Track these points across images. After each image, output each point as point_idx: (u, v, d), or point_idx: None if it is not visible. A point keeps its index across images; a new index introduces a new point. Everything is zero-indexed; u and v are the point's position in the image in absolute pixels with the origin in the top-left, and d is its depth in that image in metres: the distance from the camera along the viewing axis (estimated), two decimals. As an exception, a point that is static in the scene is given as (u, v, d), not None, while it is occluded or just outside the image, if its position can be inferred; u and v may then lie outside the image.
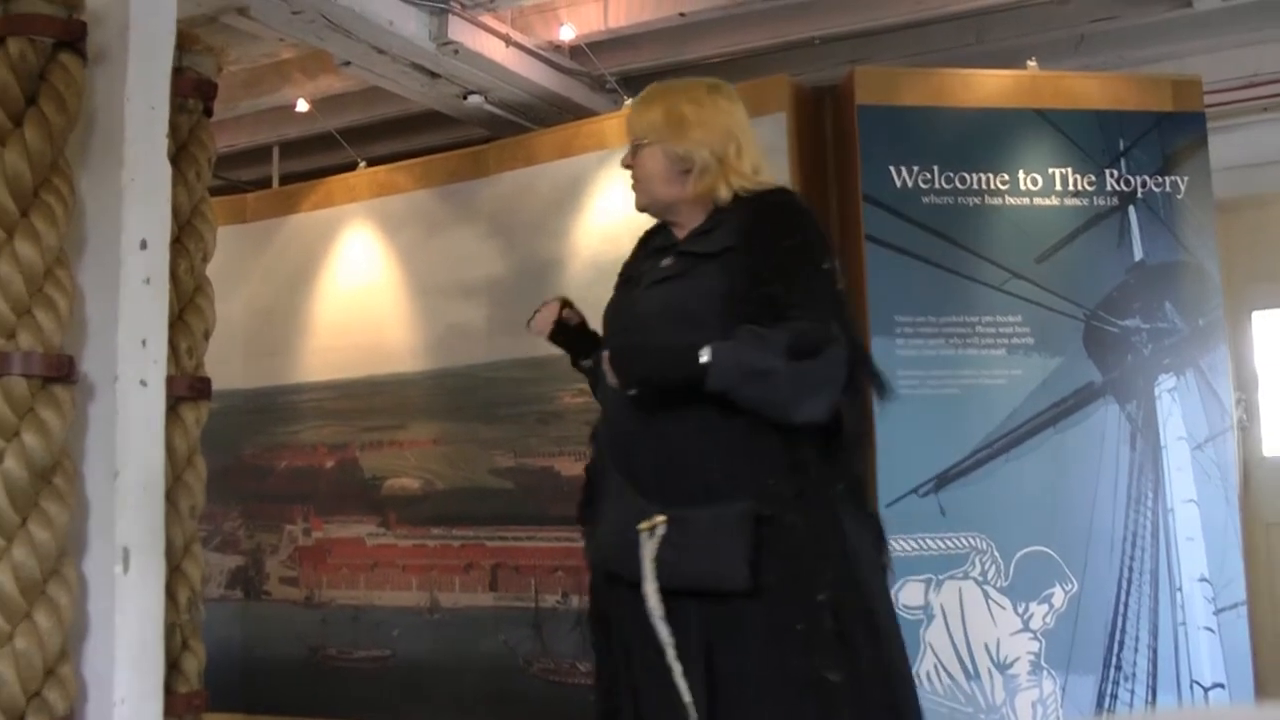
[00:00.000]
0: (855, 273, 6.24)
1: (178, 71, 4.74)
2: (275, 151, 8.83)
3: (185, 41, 4.78)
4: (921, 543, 6.05)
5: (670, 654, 3.27)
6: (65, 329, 4.58)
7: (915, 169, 6.29)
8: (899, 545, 6.00)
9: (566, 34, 7.43)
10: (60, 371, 4.54)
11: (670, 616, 3.30)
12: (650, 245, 3.91)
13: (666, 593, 3.29)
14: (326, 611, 7.67)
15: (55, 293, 4.58)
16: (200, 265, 4.91)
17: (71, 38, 4.31)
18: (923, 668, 6.00)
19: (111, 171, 4.72)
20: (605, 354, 3.56)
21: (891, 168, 6.28)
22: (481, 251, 7.37)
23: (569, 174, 7.06)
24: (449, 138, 8.46)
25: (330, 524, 7.71)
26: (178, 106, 4.82)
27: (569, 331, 4.21)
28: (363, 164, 8.12)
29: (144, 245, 4.76)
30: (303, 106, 8.21)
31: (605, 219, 6.87)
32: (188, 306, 4.88)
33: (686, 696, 3.23)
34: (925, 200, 6.29)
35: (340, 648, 7.60)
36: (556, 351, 6.34)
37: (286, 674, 7.64)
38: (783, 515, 3.24)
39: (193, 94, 4.92)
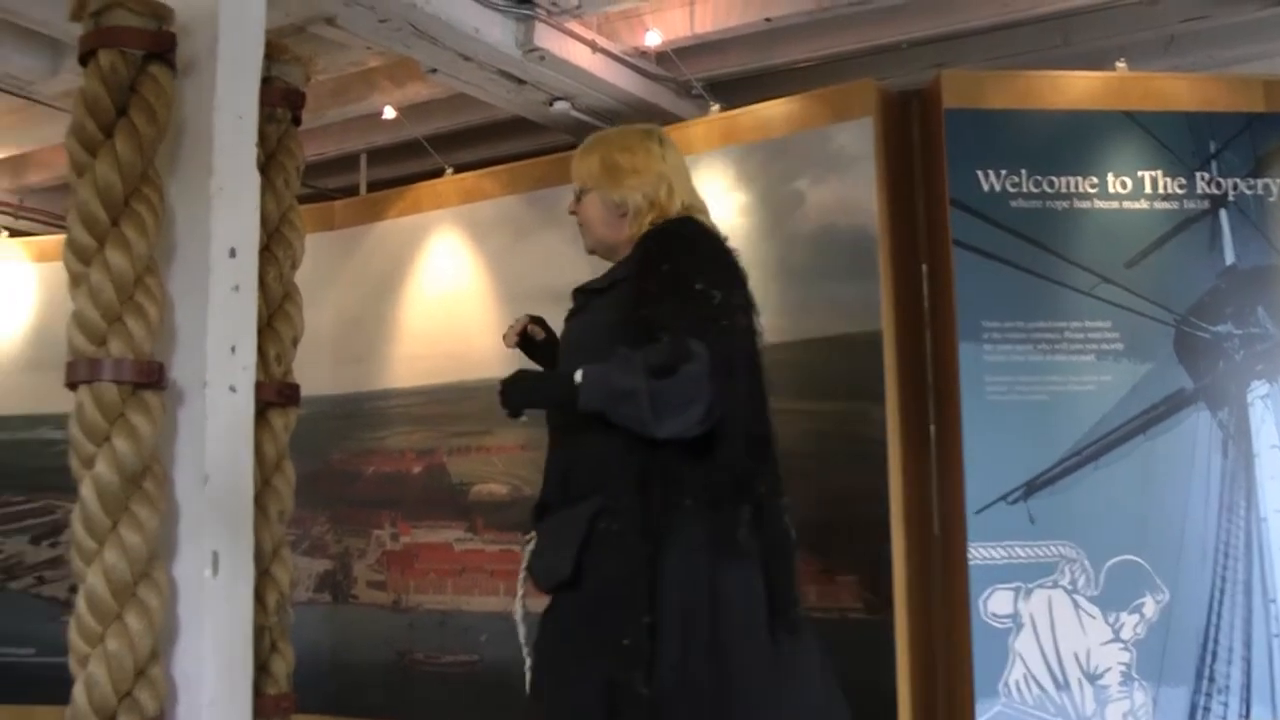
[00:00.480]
0: (942, 278, 6.21)
1: (266, 81, 4.78)
2: (363, 159, 8.91)
3: (273, 51, 4.83)
4: (1010, 551, 6.01)
5: (528, 663, 3.84)
6: (155, 336, 4.63)
7: (1003, 173, 6.24)
8: (988, 553, 5.98)
9: (652, 39, 7.44)
10: (150, 378, 4.59)
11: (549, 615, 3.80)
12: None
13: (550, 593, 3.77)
14: (414, 616, 7.70)
15: (145, 300, 4.63)
16: (289, 272, 4.95)
17: (161, 49, 4.36)
18: (1011, 677, 5.95)
19: (201, 180, 4.77)
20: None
21: (979, 172, 6.24)
22: (568, 257, 7.35)
23: (654, 178, 7.06)
24: (536, 144, 8.49)
25: (418, 529, 7.75)
26: (266, 116, 4.87)
27: (534, 346, 4.56)
28: (450, 170, 8.16)
29: (233, 253, 4.81)
30: (390, 114, 8.26)
31: (693, 225, 6.88)
32: (276, 313, 4.92)
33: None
34: (1013, 204, 6.24)
35: (428, 652, 7.63)
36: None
37: (374, 678, 7.68)
38: (611, 524, 3.55)
39: (281, 103, 4.97)
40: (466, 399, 7.70)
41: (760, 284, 6.42)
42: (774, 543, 3.74)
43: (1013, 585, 6.02)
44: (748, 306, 3.82)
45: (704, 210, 4.10)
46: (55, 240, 8.90)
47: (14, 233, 9.77)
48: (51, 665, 8.18)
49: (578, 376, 3.66)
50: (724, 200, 6.75)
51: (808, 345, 6.40)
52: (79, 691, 4.51)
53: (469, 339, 7.72)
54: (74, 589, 4.56)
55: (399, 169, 9.05)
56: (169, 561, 4.73)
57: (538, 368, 4.41)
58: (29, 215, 10.17)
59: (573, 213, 4.22)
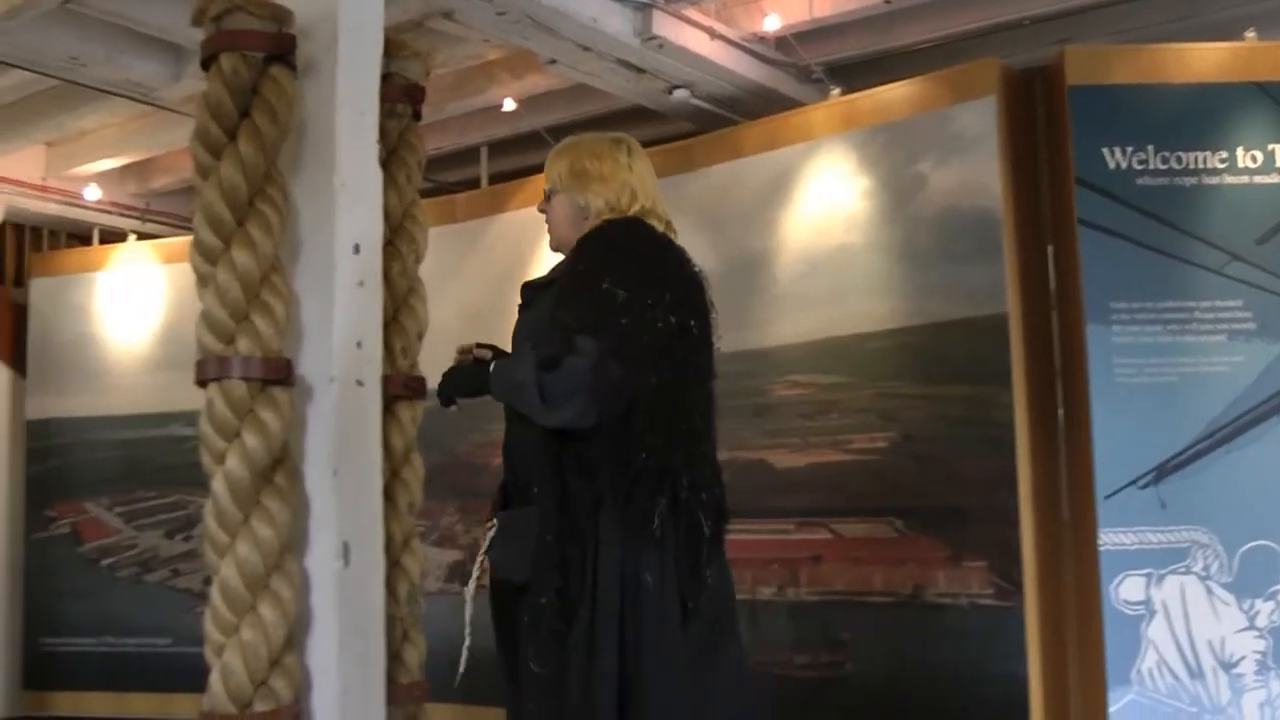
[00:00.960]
0: (1069, 259, 6.14)
1: (385, 78, 4.83)
2: (483, 152, 8.96)
3: (392, 48, 4.88)
4: (1141, 536, 5.93)
5: (466, 642, 4.27)
6: (282, 333, 4.70)
7: (1129, 150, 6.15)
8: (1119, 539, 5.91)
9: (771, 25, 7.42)
10: (278, 374, 4.67)
11: (502, 602, 4.16)
12: None
13: (500, 583, 4.13)
14: (545, 605, 7.74)
15: (272, 298, 4.70)
16: (413, 267, 5.00)
17: (282, 51, 4.42)
18: (1144, 665, 5.88)
19: (324, 178, 4.83)
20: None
21: (1104, 149, 6.15)
22: (690, 246, 7.22)
23: (776, 166, 7.04)
24: (655, 133, 8.49)
25: (548, 521, 7.79)
26: (386, 112, 4.92)
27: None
28: (572, 161, 8.18)
29: (357, 249, 4.87)
30: (509, 106, 8.31)
31: (814, 210, 6.85)
32: (401, 307, 4.97)
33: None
34: (1140, 182, 6.14)
35: (559, 640, 7.68)
36: (771, 343, 6.42)
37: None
38: (546, 533, 3.83)
39: (401, 99, 5.01)
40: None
41: (883, 268, 6.46)
42: (687, 534, 3.87)
43: (1144, 571, 5.94)
44: (667, 304, 3.89)
45: (662, 218, 4.32)
46: (182, 242, 9.07)
47: (141, 236, 9.96)
48: (188, 655, 8.35)
49: (491, 369, 4.14)
50: (845, 185, 6.72)
51: (932, 329, 6.37)
52: (215, 680, 4.60)
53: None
54: (208, 581, 4.66)
55: (519, 160, 9.09)
56: (300, 553, 4.80)
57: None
58: (156, 219, 10.35)
59: (542, 211, 4.46)
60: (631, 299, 3.83)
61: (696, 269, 4.15)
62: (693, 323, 3.96)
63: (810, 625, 6.68)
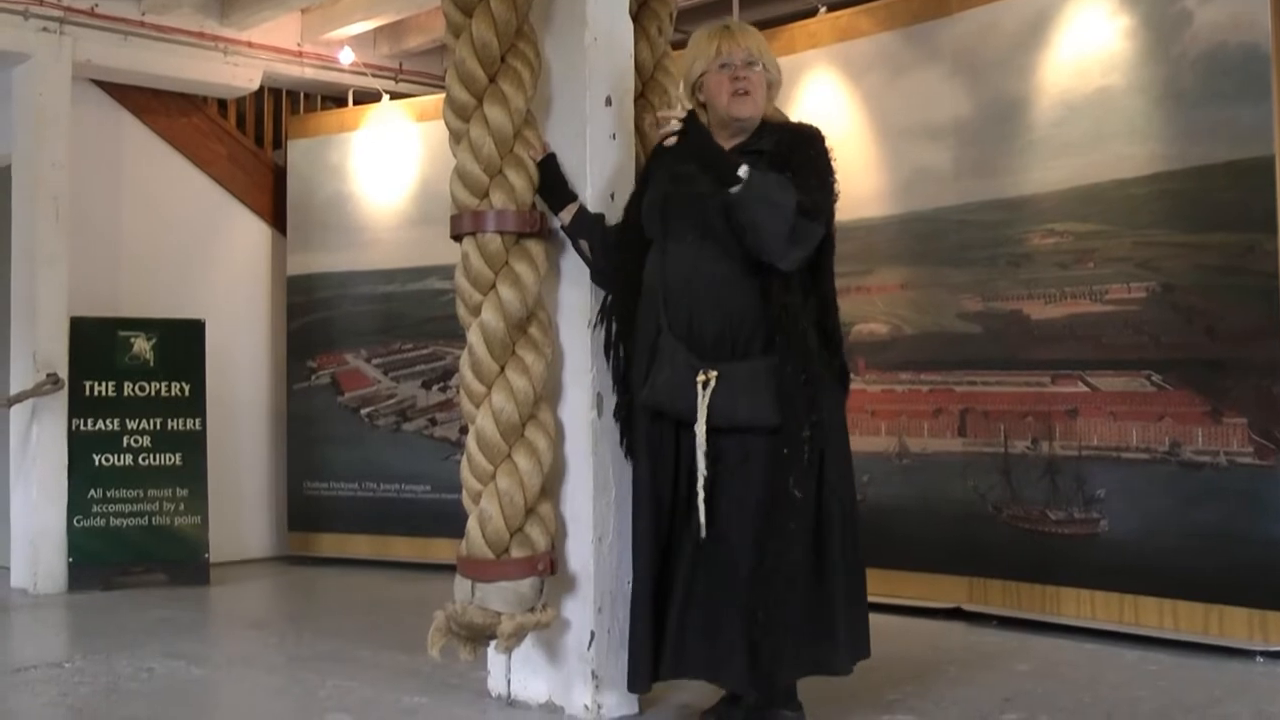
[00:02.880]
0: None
1: (636, -71, 4.80)
2: (735, 2, 8.86)
3: (642, -101, 4.84)
4: None
5: (700, 482, 4.35)
6: (535, 187, 4.75)
7: None
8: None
9: None
10: (532, 227, 4.73)
11: (711, 449, 4.37)
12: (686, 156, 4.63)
13: (713, 431, 4.36)
14: (797, 456, 7.75)
15: (525, 152, 4.75)
16: (665, 118, 4.96)
17: (534, -94, 4.40)
18: None
19: (575, 33, 4.85)
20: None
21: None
22: (946, 92, 7.24)
23: (1035, 7, 6.84)
24: (909, -23, 8.31)
25: (799, 370, 7.78)
26: (639, -37, 4.89)
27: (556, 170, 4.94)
28: (823, 9, 8.07)
29: (609, 102, 4.89)
30: (762, -46, 8.21)
31: (1073, 52, 6.65)
32: (653, 159, 4.97)
33: (702, 516, 4.36)
34: None
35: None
36: (1028, 192, 6.31)
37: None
38: (783, 367, 4.35)
39: (652, -50, 4.98)
40: (846, 239, 7.54)
41: (1143, 110, 6.26)
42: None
43: None
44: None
45: None
46: (435, 100, 9.17)
47: (395, 96, 10.10)
48: (445, 501, 8.61)
49: (742, 172, 4.33)
50: (1105, 26, 6.51)
51: (1194, 174, 6.16)
52: (473, 526, 4.72)
53: (847, 178, 7.55)
54: (465, 430, 4.77)
55: (771, 10, 8.98)
56: (555, 403, 4.89)
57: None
58: (409, 78, 10.50)
59: (744, 77, 4.58)
60: (830, 196, 4.54)
61: None
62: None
63: (1065, 481, 6.59)
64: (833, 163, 4.59)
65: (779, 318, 4.38)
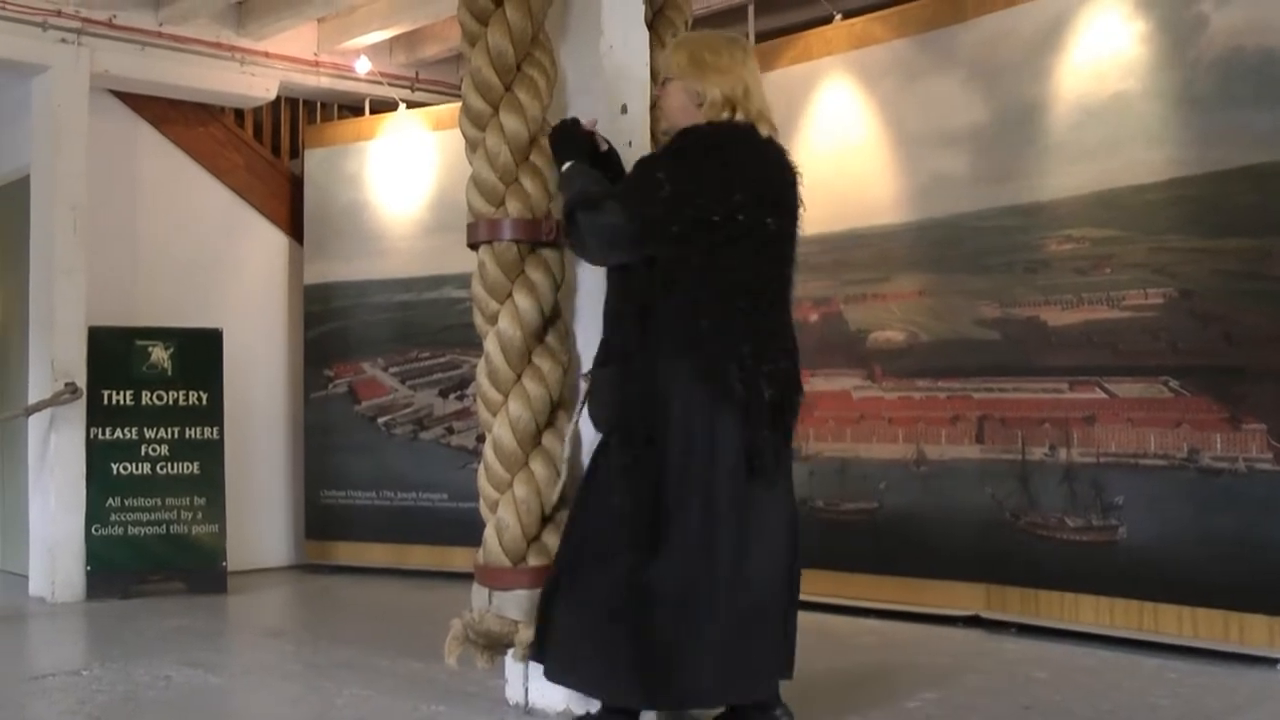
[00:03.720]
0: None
1: (651, -63, 4.80)
2: (750, 9, 8.85)
3: (657, -94, 4.85)
4: None
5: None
6: (551, 196, 4.75)
7: None
8: None
9: None
10: (548, 235, 4.74)
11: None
12: None
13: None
14: (814, 464, 7.76)
15: (540, 161, 4.77)
16: (680, 126, 4.96)
17: (548, -86, 4.41)
18: None
19: (590, 41, 4.86)
20: None
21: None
22: (962, 98, 7.24)
23: (1051, 12, 6.83)
24: (926, -17, 8.30)
25: (816, 377, 7.78)
26: (653, -29, 4.90)
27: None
28: (839, 16, 8.07)
29: (624, 110, 4.90)
30: (778, -39, 8.20)
31: (1090, 57, 6.64)
32: (668, 167, 4.95)
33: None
34: None
35: (827, 500, 7.70)
36: (1045, 198, 6.32)
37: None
38: (613, 373, 4.44)
39: (667, -43, 4.98)
40: (861, 246, 7.67)
41: (1160, 115, 6.24)
42: (752, 401, 4.33)
43: None
44: (733, 204, 4.34)
45: (770, 121, 4.60)
46: (451, 109, 9.18)
47: (411, 105, 10.12)
48: (462, 510, 8.61)
49: (565, 167, 4.61)
50: (1121, 31, 6.50)
51: (1212, 179, 6.14)
52: (490, 535, 4.73)
53: (863, 185, 7.67)
54: (481, 439, 4.78)
55: (787, 18, 8.98)
56: (572, 411, 4.89)
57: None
58: (425, 87, 10.51)
59: (656, 96, 4.72)
60: (676, 193, 4.30)
61: (791, 174, 4.58)
62: (769, 220, 4.42)
63: (1082, 487, 6.58)
64: (703, 153, 4.42)
65: (613, 319, 4.56)
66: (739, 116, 4.49)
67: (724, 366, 4.32)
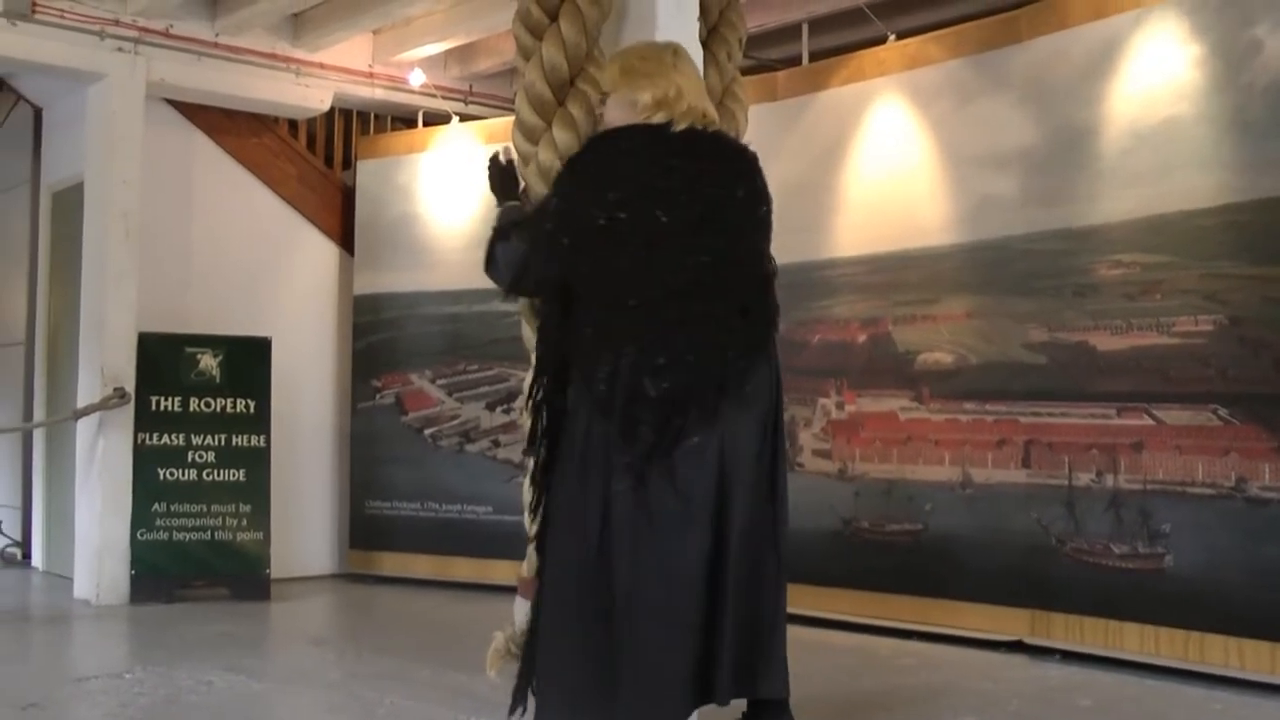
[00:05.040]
0: None
1: (706, -45, 4.81)
2: (804, 28, 8.87)
3: (712, -74, 4.86)
4: None
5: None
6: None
7: None
8: None
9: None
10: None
11: None
12: None
13: None
14: (859, 485, 7.75)
15: (593, 174, 4.76)
16: (732, 143, 4.97)
17: (604, -68, 4.42)
18: None
19: (644, 58, 4.85)
20: None
21: None
22: (1014, 120, 7.22)
23: (1104, 36, 6.80)
24: (980, 5, 8.28)
25: (863, 397, 7.77)
26: (707, -11, 4.90)
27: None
28: (893, 37, 8.07)
29: (676, 127, 4.89)
30: (832, -19, 8.20)
31: (1143, 83, 6.60)
32: (719, 185, 4.96)
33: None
34: None
35: (872, 521, 7.68)
36: (1096, 222, 6.26)
37: (819, 545, 7.75)
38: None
39: (722, -25, 4.99)
40: (911, 267, 7.66)
41: (1212, 140, 6.20)
42: (629, 398, 4.26)
43: None
44: (610, 203, 4.37)
45: (706, 115, 4.58)
46: (504, 122, 9.21)
47: (464, 118, 10.15)
48: (506, 523, 8.62)
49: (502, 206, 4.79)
50: (1174, 55, 6.46)
51: (1264, 205, 6.08)
52: (534, 549, 4.73)
53: (914, 206, 7.65)
54: (526, 453, 4.77)
55: (841, 37, 8.98)
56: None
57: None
58: (478, 100, 10.56)
59: (599, 114, 4.71)
60: (563, 205, 4.44)
61: (708, 161, 4.51)
62: (659, 213, 4.35)
63: (1129, 514, 6.53)
64: (582, 157, 4.57)
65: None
66: (663, 116, 4.48)
67: (594, 369, 4.33)
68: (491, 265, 4.64)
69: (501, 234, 4.60)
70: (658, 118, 4.46)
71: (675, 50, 4.63)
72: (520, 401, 4.72)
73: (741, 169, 4.56)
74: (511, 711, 4.50)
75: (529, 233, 4.50)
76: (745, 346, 4.40)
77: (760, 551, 4.45)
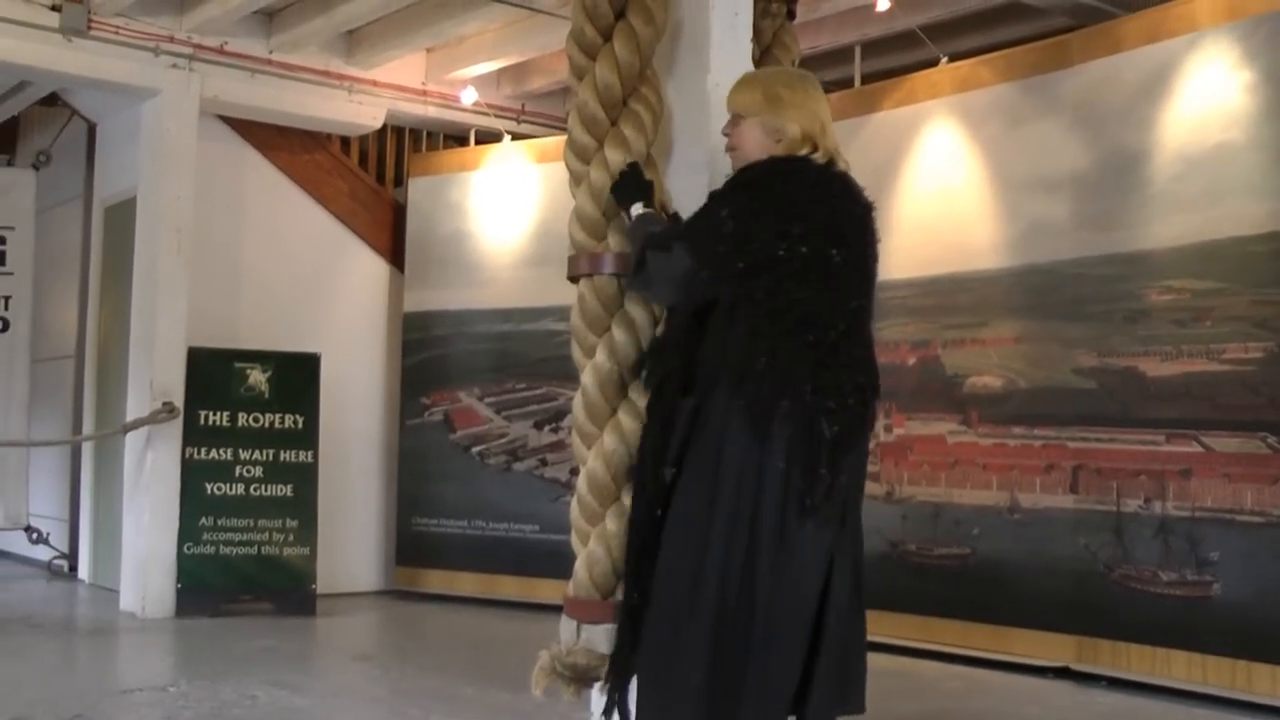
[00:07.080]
0: None
1: (759, -23, 4.81)
2: (857, 51, 8.87)
3: (766, -51, 4.86)
4: None
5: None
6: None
7: None
8: None
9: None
10: (648, 271, 4.72)
11: None
12: None
13: None
14: (907, 508, 7.74)
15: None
16: (784, 165, 4.95)
17: (657, -47, 4.44)
18: None
19: (697, 78, 4.86)
20: None
21: None
22: (1065, 144, 7.20)
23: (1156, 60, 6.79)
24: (1032, 29, 8.28)
25: (912, 421, 7.76)
26: (761, 11, 4.92)
27: None
28: (945, 59, 8.06)
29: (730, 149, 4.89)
30: (884, 5, 8.20)
31: (1196, 107, 6.58)
32: (772, 206, 4.95)
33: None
34: None
35: (920, 544, 7.66)
36: (1146, 247, 6.24)
37: (868, 568, 7.69)
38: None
39: (776, -1, 4.98)
40: (962, 290, 7.64)
41: (1263, 167, 6.17)
42: (808, 438, 4.21)
43: None
44: (794, 236, 4.25)
45: (842, 157, 4.50)
46: (556, 141, 9.23)
47: (516, 136, 10.19)
48: (553, 542, 8.61)
49: (635, 209, 4.64)
50: (1226, 80, 6.44)
51: (1313, 233, 6.08)
52: (581, 567, 4.73)
53: (964, 229, 7.64)
54: (574, 471, 4.78)
55: (893, 60, 8.98)
56: (667, 449, 4.87)
57: None
58: (530, 119, 10.58)
59: (726, 134, 4.56)
60: (740, 229, 4.24)
61: (860, 206, 4.46)
62: (834, 252, 4.28)
63: (1177, 541, 6.50)
64: (764, 188, 4.40)
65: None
66: (818, 154, 4.41)
67: (774, 404, 4.22)
68: (644, 274, 4.47)
69: (658, 243, 4.44)
70: (803, 150, 4.41)
71: (815, 82, 4.59)
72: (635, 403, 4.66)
73: (871, 216, 4.54)
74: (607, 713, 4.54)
75: (697, 250, 4.32)
76: (875, 391, 4.43)
77: (856, 575, 4.61)
